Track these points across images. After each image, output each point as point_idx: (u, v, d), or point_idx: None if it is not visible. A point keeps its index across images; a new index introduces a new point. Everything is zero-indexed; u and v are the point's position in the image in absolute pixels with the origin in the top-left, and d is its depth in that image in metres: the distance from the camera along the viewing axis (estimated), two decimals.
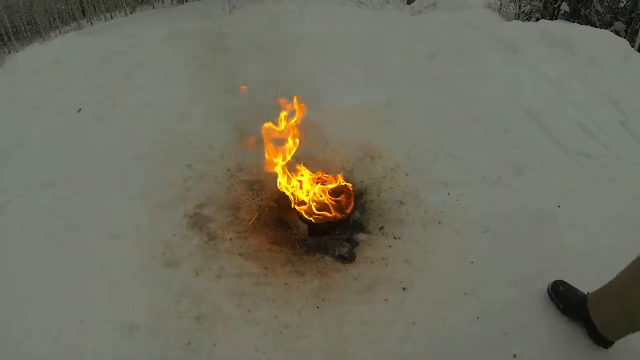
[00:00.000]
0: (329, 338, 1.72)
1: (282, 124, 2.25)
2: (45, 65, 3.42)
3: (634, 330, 1.51)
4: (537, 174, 2.44)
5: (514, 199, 2.29)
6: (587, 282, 1.84)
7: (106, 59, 3.50)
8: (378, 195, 2.39)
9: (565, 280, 1.85)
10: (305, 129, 2.71)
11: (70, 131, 2.76)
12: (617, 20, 7.49)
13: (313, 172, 2.35)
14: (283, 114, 2.26)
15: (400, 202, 2.33)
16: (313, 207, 2.16)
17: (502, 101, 2.98)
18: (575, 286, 1.81)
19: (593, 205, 2.25)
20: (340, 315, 1.80)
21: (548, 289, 1.81)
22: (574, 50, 3.47)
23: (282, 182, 2.25)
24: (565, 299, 1.75)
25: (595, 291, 1.66)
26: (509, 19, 6.58)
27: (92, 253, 2.04)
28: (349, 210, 2.18)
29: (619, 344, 1.61)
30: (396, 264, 2.00)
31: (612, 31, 4.14)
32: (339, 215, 2.16)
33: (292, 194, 2.23)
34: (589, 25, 3.95)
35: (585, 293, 1.71)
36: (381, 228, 2.20)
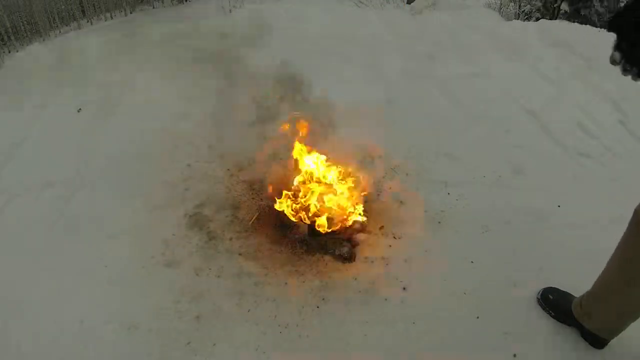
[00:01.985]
0: (329, 338, 1.72)
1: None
2: (45, 65, 3.42)
3: (626, 322, 1.52)
4: (537, 174, 2.44)
5: (514, 199, 2.29)
6: (587, 282, 1.84)
7: (106, 59, 3.50)
8: (378, 195, 2.39)
9: (565, 280, 1.85)
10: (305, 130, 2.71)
11: (70, 131, 2.76)
12: None
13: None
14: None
15: (400, 202, 2.33)
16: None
17: (502, 101, 2.98)
18: (574, 287, 1.81)
19: (593, 205, 2.25)
20: (340, 315, 1.80)
21: (538, 298, 1.81)
22: (574, 50, 3.47)
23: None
24: (555, 307, 1.75)
25: (578, 297, 1.67)
26: (509, 19, 6.58)
27: (92, 253, 2.04)
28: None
29: (615, 345, 1.61)
30: (396, 264, 2.00)
31: None
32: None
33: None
34: (589, 25, 3.95)
35: (574, 297, 1.71)
36: (381, 228, 2.20)
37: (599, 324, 1.60)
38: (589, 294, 1.63)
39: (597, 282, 1.59)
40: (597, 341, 1.63)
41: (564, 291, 1.79)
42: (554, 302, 1.76)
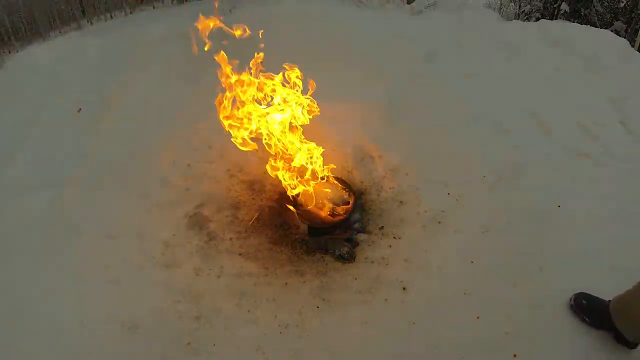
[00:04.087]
0: (329, 338, 1.72)
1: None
2: (45, 65, 3.42)
3: None
4: (537, 174, 2.44)
5: (514, 199, 2.29)
6: (587, 281, 1.85)
7: (106, 59, 3.50)
8: (378, 195, 2.39)
9: (566, 280, 1.85)
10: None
11: (70, 131, 2.76)
12: (617, 20, 7.50)
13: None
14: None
15: (400, 202, 2.33)
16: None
17: (502, 101, 2.98)
18: (574, 287, 1.81)
19: (593, 205, 2.25)
20: (340, 315, 1.80)
21: (571, 305, 1.77)
22: (574, 50, 3.47)
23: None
24: (589, 313, 1.71)
25: (616, 297, 1.65)
26: (509, 19, 6.58)
27: (92, 253, 2.04)
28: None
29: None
30: (396, 264, 2.00)
31: (612, 31, 4.13)
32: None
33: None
34: (589, 25, 3.95)
35: (607, 300, 1.69)
36: (381, 228, 2.20)
37: (630, 328, 1.59)
38: (624, 297, 1.61)
39: (635, 290, 1.57)
40: (629, 343, 1.61)
41: (595, 296, 1.74)
42: (588, 307, 1.72)
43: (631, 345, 1.62)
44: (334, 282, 1.94)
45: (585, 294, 1.77)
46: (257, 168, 2.57)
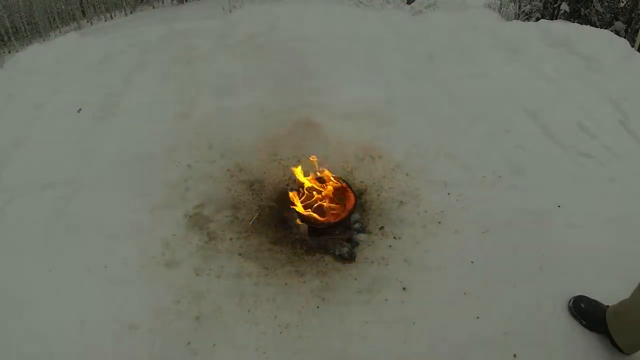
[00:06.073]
0: (329, 338, 1.72)
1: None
2: (45, 65, 3.42)
3: None
4: (537, 174, 2.44)
5: (514, 199, 2.29)
6: (587, 282, 1.85)
7: (106, 59, 3.50)
8: (378, 195, 2.39)
9: (565, 280, 1.85)
10: (305, 129, 2.72)
11: (70, 131, 2.76)
12: (617, 20, 7.50)
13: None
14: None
15: (400, 202, 2.33)
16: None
17: (502, 101, 2.98)
18: (574, 287, 1.81)
19: (593, 205, 2.25)
20: (340, 315, 1.80)
21: (570, 307, 1.77)
22: (574, 50, 3.47)
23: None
24: (587, 316, 1.72)
25: (613, 306, 1.65)
26: (509, 19, 6.59)
27: (92, 253, 2.04)
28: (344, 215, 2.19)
29: None
30: (396, 264, 2.00)
31: (612, 31, 4.13)
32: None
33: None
34: (589, 25, 3.95)
35: (606, 305, 1.69)
36: (381, 228, 2.20)
37: (623, 338, 1.59)
38: (620, 307, 1.61)
39: (631, 301, 1.57)
40: (623, 351, 1.62)
41: (594, 300, 1.75)
42: (586, 310, 1.73)
43: (624, 353, 1.62)
44: (334, 282, 1.94)
45: (584, 297, 1.77)
46: (257, 168, 2.57)
